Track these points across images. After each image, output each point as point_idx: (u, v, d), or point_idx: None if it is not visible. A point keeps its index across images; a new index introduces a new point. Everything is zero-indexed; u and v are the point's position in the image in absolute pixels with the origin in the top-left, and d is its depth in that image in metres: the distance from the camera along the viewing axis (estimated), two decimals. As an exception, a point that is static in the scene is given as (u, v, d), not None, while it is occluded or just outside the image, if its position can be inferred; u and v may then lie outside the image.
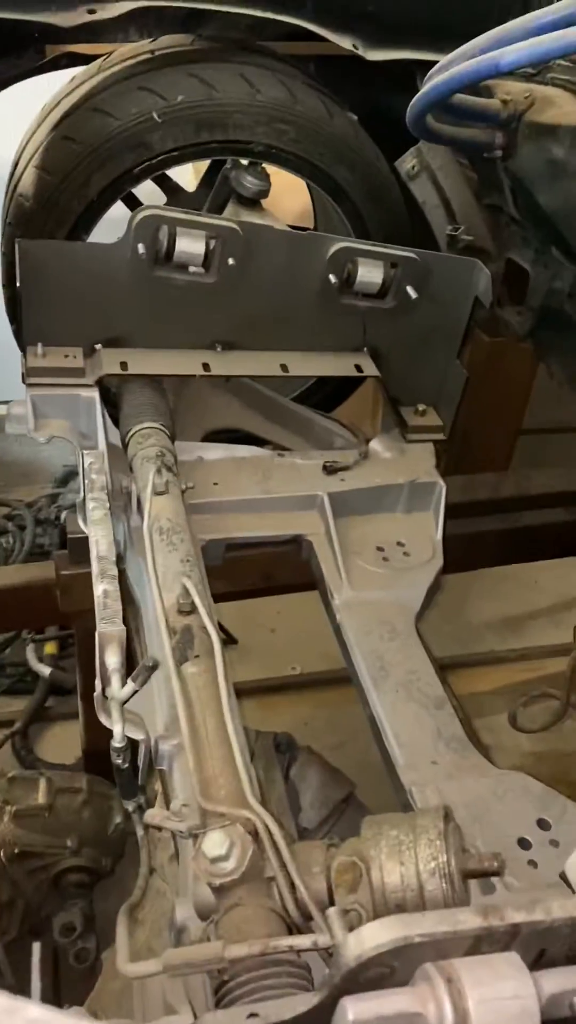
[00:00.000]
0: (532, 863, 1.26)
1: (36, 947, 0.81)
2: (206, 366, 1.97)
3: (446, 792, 1.33)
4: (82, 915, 1.98)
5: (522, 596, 3.37)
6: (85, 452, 1.75)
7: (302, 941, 0.89)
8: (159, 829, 1.26)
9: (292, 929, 0.95)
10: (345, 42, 1.91)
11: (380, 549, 1.82)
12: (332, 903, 0.95)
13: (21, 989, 0.68)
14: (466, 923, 0.71)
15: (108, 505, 1.60)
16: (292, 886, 0.97)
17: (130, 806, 1.32)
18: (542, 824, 1.31)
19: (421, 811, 1.04)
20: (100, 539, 1.51)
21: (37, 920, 1.97)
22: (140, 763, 1.33)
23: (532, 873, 1.24)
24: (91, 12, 1.72)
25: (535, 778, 1.37)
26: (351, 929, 0.80)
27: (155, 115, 1.98)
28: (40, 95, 2.22)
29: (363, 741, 1.58)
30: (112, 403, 1.98)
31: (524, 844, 1.28)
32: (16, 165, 2.22)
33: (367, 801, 1.88)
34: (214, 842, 0.98)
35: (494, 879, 1.17)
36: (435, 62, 1.64)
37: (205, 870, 0.97)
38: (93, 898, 2.03)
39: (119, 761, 1.23)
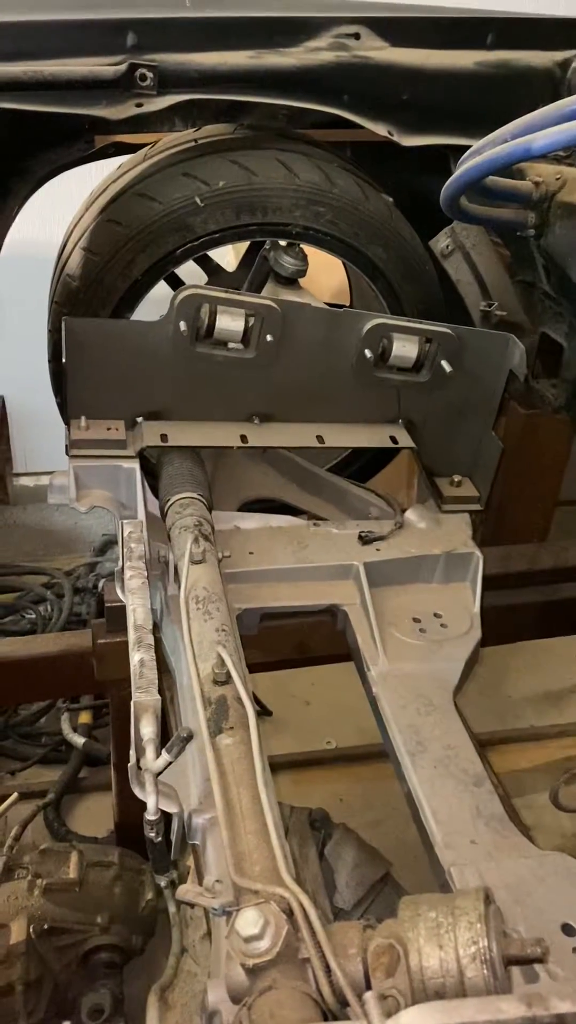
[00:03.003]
0: (577, 951, 1.21)
1: (64, 1029, 0.79)
2: (244, 438, 2.01)
3: (486, 873, 1.29)
4: (111, 997, 1.92)
5: (562, 670, 3.30)
6: (124, 521, 1.78)
7: (338, 1028, 0.86)
8: (191, 906, 1.24)
9: (327, 1015, 0.92)
10: (380, 129, 1.98)
11: (417, 620, 1.81)
12: (369, 987, 0.92)
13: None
14: (508, 1012, 0.68)
15: (146, 574, 1.61)
16: (327, 969, 0.94)
17: (162, 881, 1.30)
18: (587, 909, 1.26)
19: (460, 892, 1.01)
20: (137, 608, 1.52)
21: (64, 1001, 1.92)
22: (173, 837, 1.32)
23: (578, 961, 1.19)
24: (139, 105, 1.82)
25: (579, 860, 1.33)
26: (388, 1015, 0.77)
27: (197, 200, 2.06)
28: (87, 181, 2.33)
29: (400, 818, 1.55)
30: (151, 473, 2.02)
31: (568, 930, 1.23)
32: (64, 247, 2.31)
33: (404, 881, 1.83)
34: (248, 920, 0.95)
35: (537, 966, 1.12)
36: (468, 147, 1.70)
37: (238, 949, 0.95)
38: (123, 978, 1.98)
39: (152, 834, 1.21)
